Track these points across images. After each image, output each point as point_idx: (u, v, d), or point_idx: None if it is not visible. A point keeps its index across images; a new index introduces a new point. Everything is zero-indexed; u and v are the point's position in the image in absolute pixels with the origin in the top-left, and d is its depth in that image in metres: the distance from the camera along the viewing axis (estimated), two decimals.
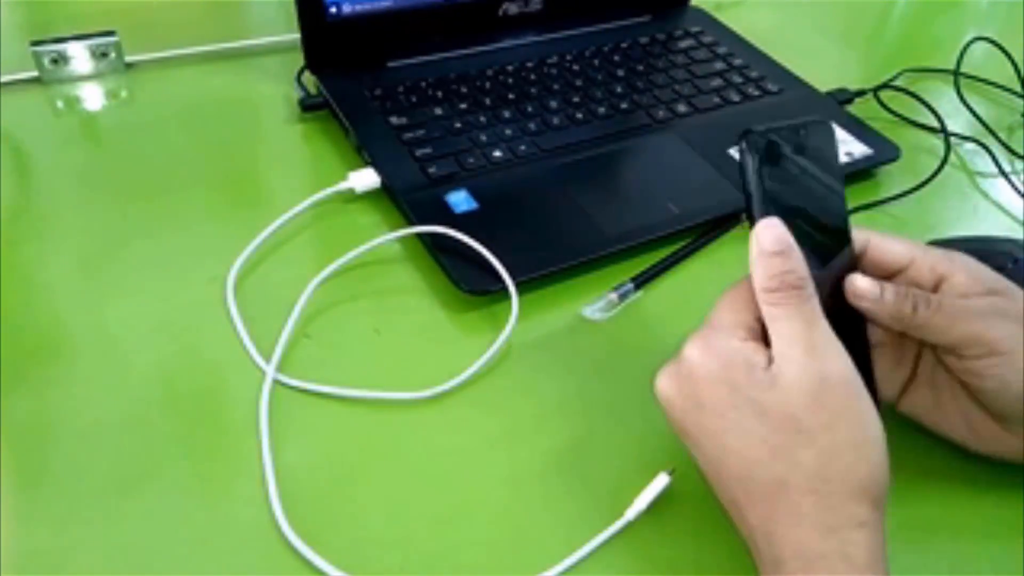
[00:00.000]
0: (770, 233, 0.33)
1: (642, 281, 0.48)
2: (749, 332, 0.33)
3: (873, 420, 0.31)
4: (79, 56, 0.61)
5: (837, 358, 0.31)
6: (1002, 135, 0.63)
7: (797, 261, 0.33)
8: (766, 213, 0.33)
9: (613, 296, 0.47)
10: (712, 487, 0.34)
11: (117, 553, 0.34)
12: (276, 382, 0.41)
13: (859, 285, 0.34)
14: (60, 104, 0.60)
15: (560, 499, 0.37)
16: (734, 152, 0.56)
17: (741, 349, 0.32)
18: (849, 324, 0.35)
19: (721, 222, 0.52)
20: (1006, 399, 0.34)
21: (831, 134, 0.36)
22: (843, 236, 0.35)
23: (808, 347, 0.31)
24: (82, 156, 0.55)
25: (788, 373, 0.31)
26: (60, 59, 0.61)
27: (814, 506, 0.30)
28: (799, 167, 0.35)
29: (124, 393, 0.40)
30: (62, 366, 0.41)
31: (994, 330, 0.33)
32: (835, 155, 0.35)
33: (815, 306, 0.32)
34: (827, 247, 0.35)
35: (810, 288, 0.32)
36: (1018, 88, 0.67)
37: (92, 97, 0.61)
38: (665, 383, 0.34)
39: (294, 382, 0.41)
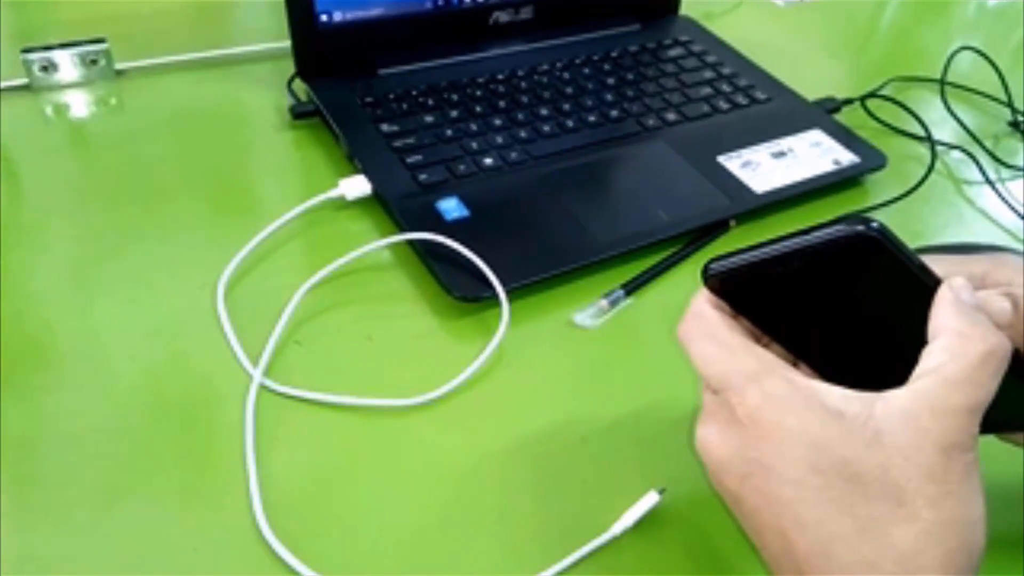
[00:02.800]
0: (965, 290, 0.28)
1: (632, 288, 0.48)
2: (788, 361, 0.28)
3: (981, 498, 0.27)
4: (69, 63, 0.61)
5: (965, 435, 0.26)
6: (988, 143, 0.64)
7: (995, 329, 0.27)
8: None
9: (604, 303, 0.47)
10: (770, 565, 0.29)
11: (102, 560, 0.34)
12: (264, 389, 0.41)
13: (990, 303, 0.30)
14: (49, 111, 0.60)
15: (547, 509, 0.37)
16: (723, 162, 0.57)
17: (817, 391, 0.27)
18: None
19: (710, 229, 0.52)
20: None
21: (862, 242, 0.27)
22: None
23: (951, 419, 0.26)
24: (72, 163, 0.55)
25: (906, 433, 0.26)
26: (50, 66, 0.61)
27: None
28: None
29: (112, 400, 0.40)
30: (50, 373, 0.41)
31: None
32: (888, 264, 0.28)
33: (991, 389, 0.27)
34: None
35: (1001, 361, 0.27)
36: (1003, 97, 0.68)
37: (82, 104, 0.61)
38: (714, 438, 0.29)
39: (283, 389, 0.41)
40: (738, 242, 0.34)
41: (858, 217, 0.28)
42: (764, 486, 0.27)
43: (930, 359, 0.27)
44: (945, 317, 0.28)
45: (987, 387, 0.27)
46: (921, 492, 0.26)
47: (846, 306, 0.29)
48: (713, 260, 0.30)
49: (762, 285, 0.29)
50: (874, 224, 0.27)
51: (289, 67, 0.60)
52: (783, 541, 0.27)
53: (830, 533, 0.26)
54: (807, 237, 0.28)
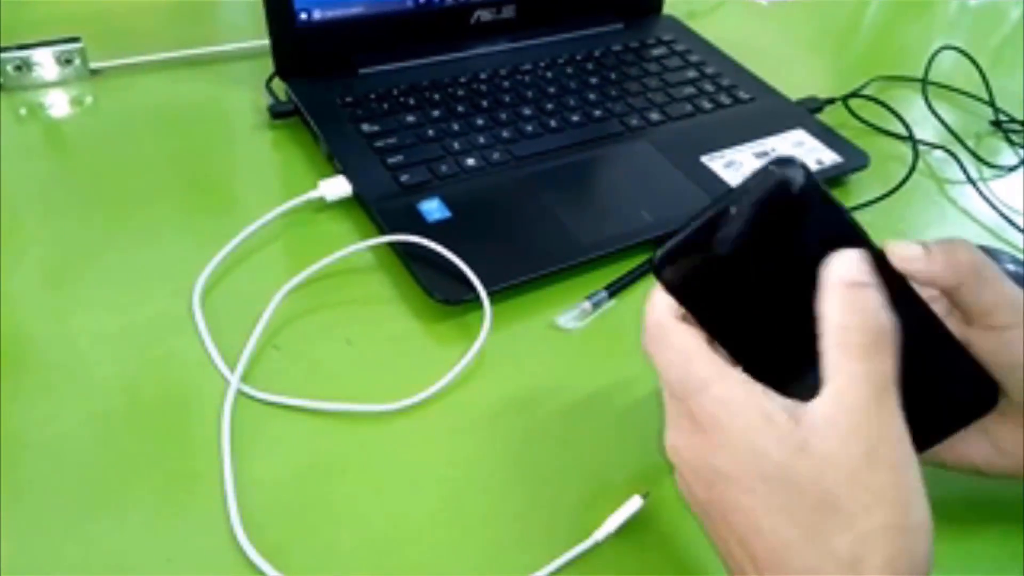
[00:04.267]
0: (848, 262, 0.28)
1: (616, 290, 0.48)
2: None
3: (920, 503, 0.27)
4: (43, 63, 0.60)
5: (894, 433, 0.27)
6: (969, 143, 0.64)
7: (881, 303, 0.27)
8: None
9: (587, 305, 0.46)
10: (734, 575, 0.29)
11: (75, 571, 0.33)
12: (242, 394, 0.40)
13: (901, 249, 0.30)
14: (23, 112, 0.59)
15: (529, 515, 0.37)
16: (706, 162, 0.56)
17: (760, 397, 0.27)
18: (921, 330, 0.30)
19: None
20: None
21: (785, 180, 0.28)
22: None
23: (865, 418, 0.26)
24: (45, 165, 0.54)
25: (829, 440, 0.26)
26: (23, 66, 0.59)
27: None
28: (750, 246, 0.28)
29: (86, 408, 0.39)
30: (24, 380, 0.40)
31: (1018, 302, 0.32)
32: (810, 197, 0.28)
33: (892, 366, 0.27)
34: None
35: (890, 338, 0.27)
36: (985, 96, 0.68)
37: (56, 104, 0.60)
38: (681, 445, 0.29)
39: (261, 395, 0.40)
40: None
41: (783, 157, 0.28)
42: (726, 494, 0.27)
43: (827, 358, 0.27)
44: (826, 304, 0.28)
45: (883, 370, 0.27)
46: (853, 499, 0.26)
47: (783, 273, 0.29)
48: (657, 247, 0.29)
49: (705, 262, 0.29)
50: (796, 160, 0.28)
51: (268, 66, 0.59)
52: (744, 549, 0.27)
53: (782, 541, 0.26)
54: (734, 187, 0.28)
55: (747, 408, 0.27)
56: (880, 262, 0.29)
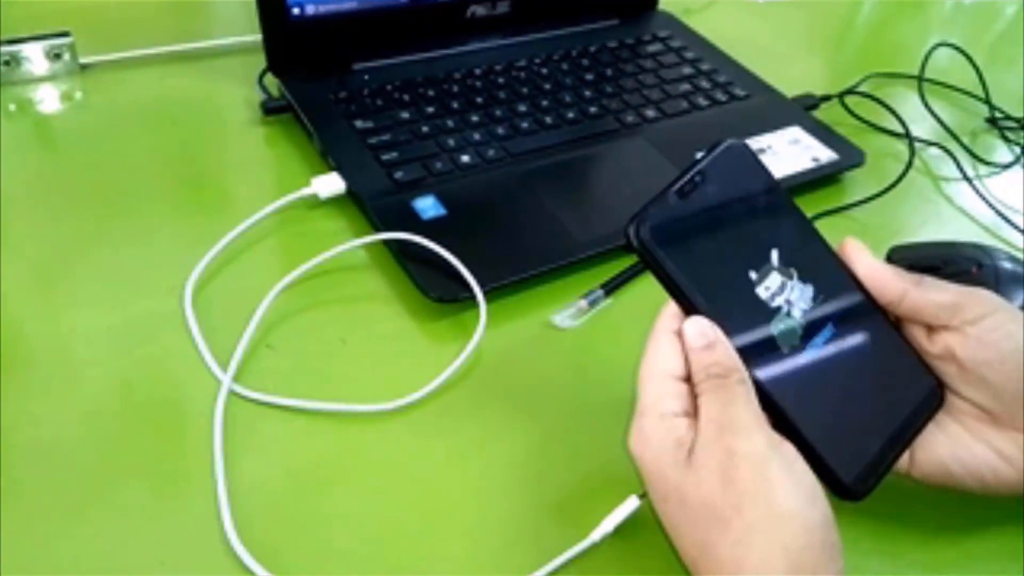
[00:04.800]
0: (693, 329, 0.32)
1: (612, 288, 0.47)
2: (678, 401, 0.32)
3: (791, 492, 0.29)
4: (33, 57, 0.59)
5: (749, 434, 0.30)
6: (965, 140, 0.64)
7: (722, 352, 0.31)
8: (690, 292, 0.32)
9: (583, 303, 0.46)
10: None
11: (65, 573, 0.33)
12: (234, 394, 0.40)
13: (853, 244, 0.35)
14: (12, 107, 0.58)
15: (525, 515, 0.37)
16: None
17: (669, 432, 0.31)
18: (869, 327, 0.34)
19: None
20: (1011, 367, 0.33)
21: (739, 153, 0.34)
22: (812, 238, 0.35)
23: (719, 426, 0.30)
24: (35, 161, 0.53)
25: (700, 455, 0.30)
26: (13, 61, 0.59)
27: None
28: (714, 209, 0.33)
29: (77, 407, 0.39)
30: (14, 379, 0.40)
31: (985, 293, 0.34)
32: (752, 170, 0.34)
33: (739, 390, 0.31)
34: (802, 255, 0.34)
35: (736, 375, 0.31)
36: (981, 93, 0.68)
37: (46, 100, 0.59)
38: (636, 447, 0.32)
39: (254, 394, 0.40)
40: None
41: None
42: (663, 507, 0.31)
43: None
44: (690, 364, 0.32)
45: (730, 396, 0.31)
46: (726, 502, 0.29)
47: (733, 233, 0.33)
48: (634, 221, 0.32)
49: (673, 220, 0.32)
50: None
51: (260, 61, 0.59)
52: (686, 559, 0.31)
53: (690, 555, 0.30)
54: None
55: (656, 440, 0.31)
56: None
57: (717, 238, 0.33)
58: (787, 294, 0.33)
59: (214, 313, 0.44)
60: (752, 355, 0.32)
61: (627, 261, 0.49)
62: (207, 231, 0.47)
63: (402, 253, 0.46)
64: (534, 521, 0.36)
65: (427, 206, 0.49)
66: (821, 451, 0.32)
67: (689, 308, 0.32)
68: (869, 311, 0.35)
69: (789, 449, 0.30)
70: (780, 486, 0.29)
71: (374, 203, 0.49)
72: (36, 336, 0.42)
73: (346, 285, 0.47)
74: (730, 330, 0.32)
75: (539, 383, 0.42)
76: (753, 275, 0.33)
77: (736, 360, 0.31)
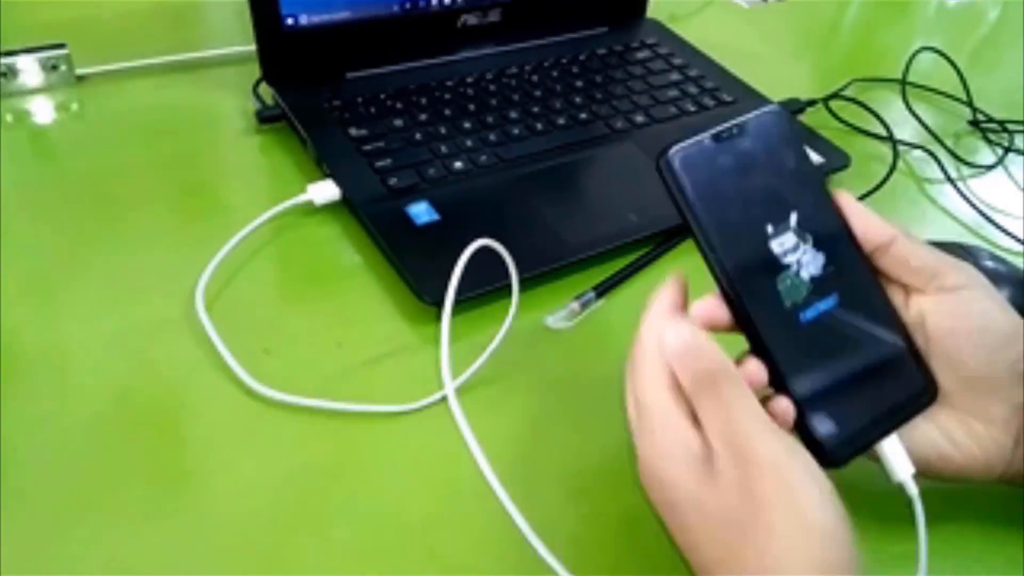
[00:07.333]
0: (673, 337, 0.32)
1: (604, 290, 0.48)
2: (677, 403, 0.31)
3: (812, 503, 0.28)
4: (28, 69, 0.60)
5: (763, 441, 0.29)
6: (948, 142, 0.65)
7: (709, 355, 0.31)
8: (708, 233, 0.32)
9: (575, 305, 0.47)
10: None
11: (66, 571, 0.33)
12: (232, 398, 0.40)
13: (845, 194, 0.35)
14: (9, 119, 0.58)
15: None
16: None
17: (681, 442, 0.31)
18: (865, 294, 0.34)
19: (680, 230, 0.53)
20: (976, 344, 0.33)
21: (781, 120, 0.34)
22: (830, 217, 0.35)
23: (729, 434, 0.29)
24: (33, 172, 0.54)
25: (717, 465, 0.29)
26: (9, 72, 0.59)
27: None
28: (745, 161, 0.33)
29: (78, 413, 0.39)
30: (16, 389, 0.40)
31: (970, 268, 0.34)
32: (788, 140, 0.34)
33: (734, 392, 0.30)
34: (821, 227, 0.34)
35: (725, 373, 0.31)
36: (963, 96, 0.69)
37: (42, 111, 0.60)
38: (651, 459, 0.32)
39: (255, 393, 0.40)
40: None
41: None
42: (678, 518, 0.31)
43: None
44: (677, 375, 0.32)
45: (727, 398, 0.30)
46: (747, 511, 0.28)
47: (758, 192, 0.33)
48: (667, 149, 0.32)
49: (708, 166, 0.33)
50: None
51: (255, 71, 0.60)
52: (690, 557, 0.31)
53: (712, 559, 0.29)
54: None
55: (667, 448, 0.31)
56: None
57: (742, 187, 0.33)
58: (799, 255, 0.33)
59: (213, 318, 0.44)
60: (753, 295, 0.32)
61: (618, 263, 0.50)
62: (205, 239, 0.48)
63: (396, 258, 0.47)
64: (532, 521, 0.37)
65: (421, 212, 0.50)
66: (804, 406, 0.32)
67: (704, 244, 0.32)
68: (879, 298, 0.34)
69: (803, 452, 0.30)
70: (804, 495, 0.29)
71: (368, 209, 0.50)
72: (38, 345, 0.42)
73: (341, 290, 0.47)
74: (738, 268, 0.32)
75: (532, 383, 0.43)
76: (770, 228, 0.33)
77: (725, 362, 0.31)
